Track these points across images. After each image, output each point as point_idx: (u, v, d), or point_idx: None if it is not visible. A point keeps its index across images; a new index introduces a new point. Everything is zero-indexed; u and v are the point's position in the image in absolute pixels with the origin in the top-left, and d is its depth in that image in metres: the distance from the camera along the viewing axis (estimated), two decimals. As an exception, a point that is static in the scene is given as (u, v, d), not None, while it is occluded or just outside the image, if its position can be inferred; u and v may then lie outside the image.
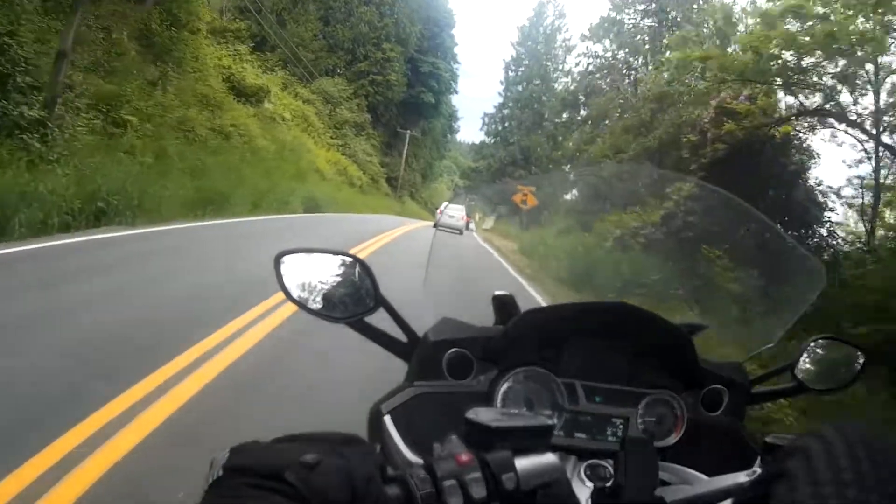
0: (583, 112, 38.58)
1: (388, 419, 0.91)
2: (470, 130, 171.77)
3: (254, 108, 22.48)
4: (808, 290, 1.27)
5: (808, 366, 1.08)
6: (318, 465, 0.49)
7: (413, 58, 46.20)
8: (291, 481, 0.47)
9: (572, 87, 39.13)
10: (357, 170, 37.05)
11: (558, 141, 46.59)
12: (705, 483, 0.81)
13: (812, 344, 1.08)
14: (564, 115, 44.47)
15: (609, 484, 0.85)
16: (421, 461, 0.62)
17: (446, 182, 77.03)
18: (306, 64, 35.88)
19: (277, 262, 0.93)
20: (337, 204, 24.51)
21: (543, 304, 2.43)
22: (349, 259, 0.97)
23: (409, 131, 47.67)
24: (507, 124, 57.82)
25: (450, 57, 53.89)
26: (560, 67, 54.67)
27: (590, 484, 0.89)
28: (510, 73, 58.85)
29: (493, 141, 58.94)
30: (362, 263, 0.95)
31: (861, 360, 1.11)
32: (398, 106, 46.11)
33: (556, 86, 54.35)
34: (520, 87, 57.48)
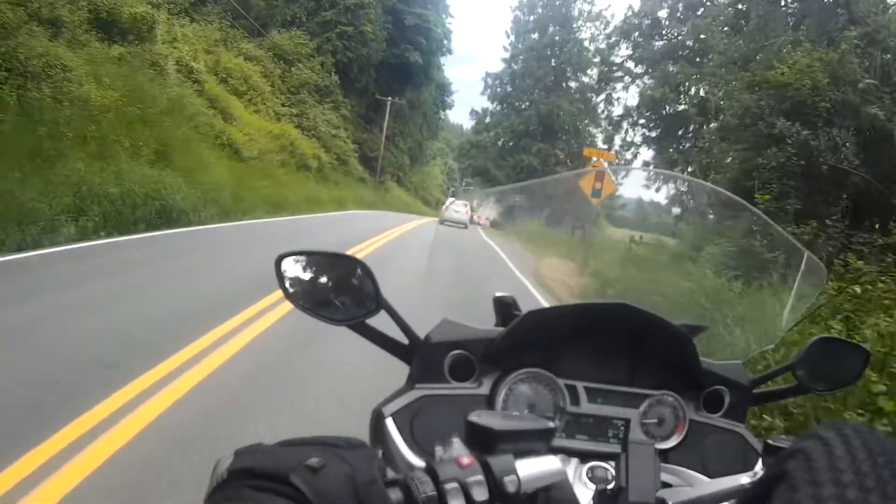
0: (636, 52, 27.26)
1: (390, 422, 0.93)
2: (463, 115, 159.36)
3: (127, 48, 14.77)
4: (809, 290, 1.30)
5: (809, 366, 1.09)
6: (323, 469, 0.51)
7: (395, 8, 36.41)
8: (297, 485, 0.49)
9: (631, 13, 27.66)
10: (315, 146, 27.86)
11: (592, 100, 35.65)
12: (707, 485, 0.83)
13: (813, 344, 1.09)
14: (593, 71, 33.57)
15: (611, 486, 0.84)
16: (423, 464, 0.64)
17: (440, 165, 66.88)
18: (244, 15, 26.09)
19: (278, 263, 0.93)
20: (245, 202, 14.87)
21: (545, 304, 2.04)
22: (350, 261, 0.97)
23: (390, 99, 37.81)
24: (517, 83, 46.14)
25: (441, 8, 43.59)
26: (588, 10, 43.59)
27: (591, 486, 0.91)
28: (521, 19, 46.93)
29: (498, 107, 47.35)
30: (363, 265, 0.96)
31: (863, 360, 1.12)
32: (377, 68, 36.50)
33: (581, 35, 43.39)
34: (534, 36, 45.74)
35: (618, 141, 29.18)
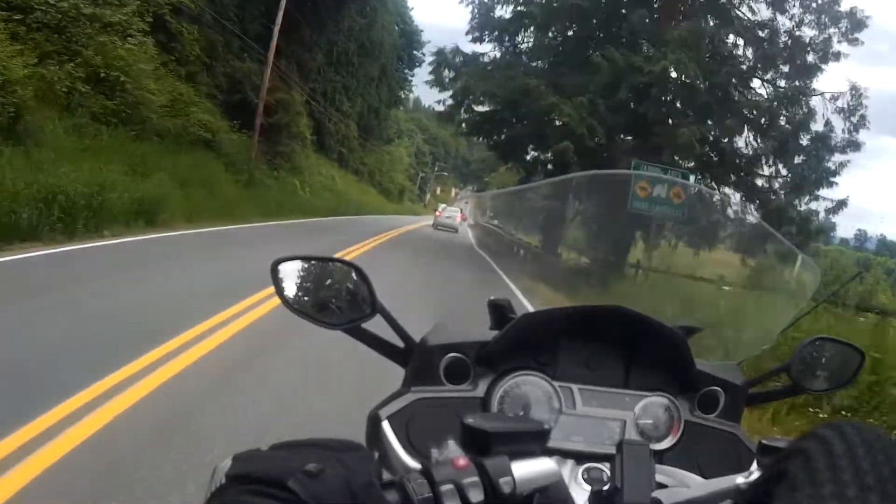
0: None
1: (386, 425, 0.95)
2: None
3: None
4: (803, 290, 1.31)
5: (804, 366, 1.11)
6: (321, 474, 0.52)
7: None
8: (295, 490, 0.51)
9: None
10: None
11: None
12: (702, 485, 0.84)
13: (808, 344, 1.11)
14: None
15: (606, 487, 0.85)
16: (419, 466, 0.65)
17: (406, 146, 51.22)
18: None
19: (274, 268, 0.96)
20: None
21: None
22: (346, 266, 1.00)
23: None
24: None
25: None
26: None
27: (587, 487, 0.91)
28: None
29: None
30: (359, 270, 0.98)
31: (858, 360, 1.14)
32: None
33: None
34: None
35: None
